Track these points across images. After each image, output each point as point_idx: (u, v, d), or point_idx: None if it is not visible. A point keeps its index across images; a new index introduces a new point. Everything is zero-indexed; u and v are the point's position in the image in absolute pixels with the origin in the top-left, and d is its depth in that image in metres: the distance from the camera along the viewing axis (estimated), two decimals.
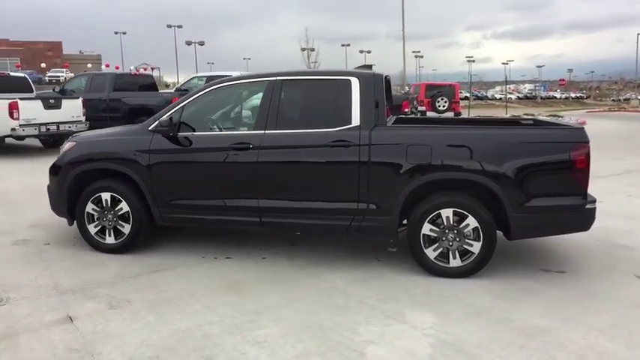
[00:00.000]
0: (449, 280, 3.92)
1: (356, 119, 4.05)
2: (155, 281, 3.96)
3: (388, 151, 3.96)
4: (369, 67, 4.78)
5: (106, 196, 4.48)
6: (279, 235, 4.97)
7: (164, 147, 4.31)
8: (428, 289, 3.78)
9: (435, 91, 18.21)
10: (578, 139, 3.81)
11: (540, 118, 5.03)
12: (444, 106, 18.09)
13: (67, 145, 4.71)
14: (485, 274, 4.02)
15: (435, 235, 3.96)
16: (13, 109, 9.34)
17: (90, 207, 4.53)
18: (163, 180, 4.34)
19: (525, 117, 5.45)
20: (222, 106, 4.49)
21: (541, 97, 66.08)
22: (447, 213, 3.92)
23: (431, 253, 3.99)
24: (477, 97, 64.09)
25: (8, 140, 10.18)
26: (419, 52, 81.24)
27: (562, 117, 22.72)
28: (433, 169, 3.89)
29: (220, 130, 4.35)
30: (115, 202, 4.47)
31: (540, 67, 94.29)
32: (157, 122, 4.32)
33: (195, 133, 4.30)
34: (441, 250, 3.98)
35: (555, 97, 68.77)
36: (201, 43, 48.38)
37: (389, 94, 5.30)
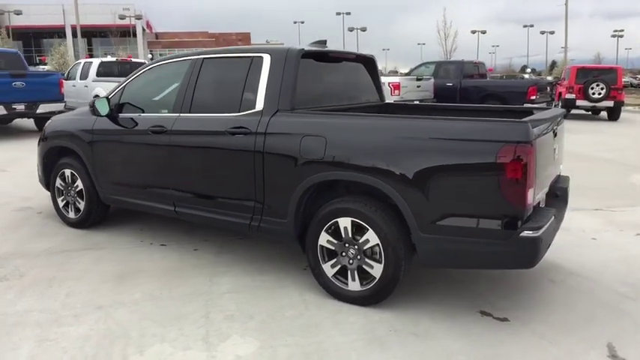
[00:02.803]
0: (341, 307, 3.16)
1: (260, 103, 3.48)
2: (70, 259, 4.01)
3: (283, 142, 3.31)
4: (324, 42, 4.06)
5: (67, 172, 4.70)
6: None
7: (102, 127, 4.32)
8: (301, 313, 3.09)
9: (589, 76, 15.11)
10: (511, 137, 2.64)
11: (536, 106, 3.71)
12: (599, 94, 14.89)
13: (47, 123, 5.06)
14: (397, 305, 3.14)
15: (333, 248, 3.21)
16: None
17: (58, 182, 4.81)
18: (100, 160, 4.37)
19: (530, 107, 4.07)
20: (155, 86, 4.28)
21: None
22: (345, 223, 3.13)
23: (329, 269, 3.25)
24: None
25: None
26: (621, 31, 69.35)
27: None
28: (327, 166, 3.14)
29: (148, 112, 4.16)
30: (74, 178, 4.67)
31: None
32: None
33: (123, 115, 4.21)
34: (339, 267, 3.22)
35: None
36: (364, 29, 48.78)
37: (375, 77, 4.54)
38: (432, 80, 12.98)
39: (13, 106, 9.73)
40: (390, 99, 11.78)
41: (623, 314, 3.07)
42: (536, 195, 2.79)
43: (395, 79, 12.08)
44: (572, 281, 3.58)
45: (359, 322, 2.96)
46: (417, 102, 12.05)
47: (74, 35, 52.10)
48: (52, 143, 4.79)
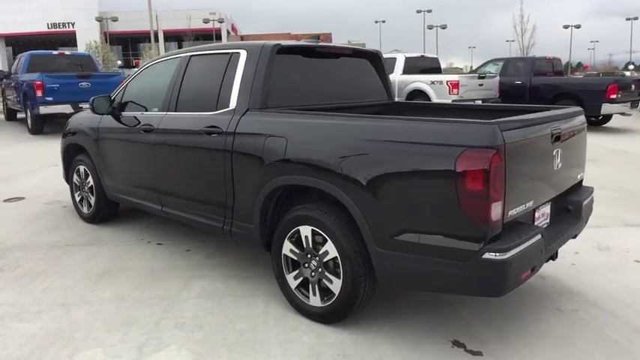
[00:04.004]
0: (300, 323, 2.91)
1: (234, 101, 3.32)
2: (67, 254, 4.11)
3: (250, 143, 3.11)
4: (316, 38, 3.81)
5: (82, 168, 4.86)
6: None
7: (105, 125, 4.40)
8: (255, 327, 2.88)
9: None
10: (473, 142, 2.24)
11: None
12: None
13: (69, 120, 5.26)
14: (361, 326, 2.84)
15: (296, 258, 2.97)
16: None
17: (75, 177, 4.99)
18: (103, 157, 4.45)
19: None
20: (151, 84, 4.24)
21: None
22: (305, 231, 2.88)
23: (292, 280, 3.02)
24: None
25: None
26: None
27: None
28: (286, 169, 2.90)
29: (144, 110, 4.14)
30: (87, 174, 4.81)
31: None
32: None
33: (125, 113, 4.23)
34: (302, 279, 2.97)
35: None
36: (444, 27, 46.98)
37: (382, 75, 4.23)
38: (497, 78, 12.08)
39: (80, 105, 10.40)
40: (447, 99, 11.14)
41: (626, 355, 2.52)
42: (509, 210, 2.35)
43: (453, 77, 11.39)
44: (585, 312, 3.03)
45: (309, 343, 2.69)
46: (479, 102, 11.29)
47: (166, 40, 55.60)
48: (69, 140, 4.97)
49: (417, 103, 4.72)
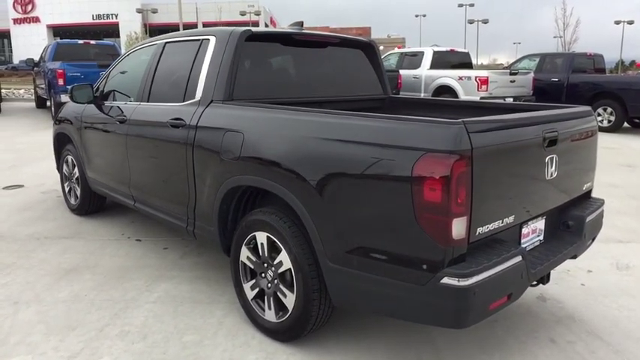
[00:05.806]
0: (253, 339, 2.63)
1: (199, 92, 3.05)
2: (41, 246, 3.97)
3: (209, 138, 2.84)
4: (300, 24, 3.49)
5: (69, 158, 4.73)
6: None
7: (87, 114, 4.23)
8: (202, 340, 2.62)
9: None
10: (434, 145, 1.87)
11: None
12: None
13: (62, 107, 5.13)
14: (320, 345, 2.54)
15: (253, 266, 2.69)
16: None
17: (64, 167, 4.88)
18: (85, 147, 4.29)
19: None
20: (130, 73, 4.02)
21: None
22: (261, 238, 2.59)
23: (249, 290, 2.74)
24: None
25: None
26: None
27: None
28: (241, 168, 2.61)
29: (123, 99, 3.93)
30: (74, 164, 4.68)
31: None
32: None
33: (107, 103, 4.04)
34: (258, 289, 2.68)
35: None
36: (485, 22, 45.35)
37: (377, 67, 3.88)
38: (531, 75, 11.38)
39: None
40: (475, 95, 10.58)
41: None
42: (478, 227, 1.98)
43: (483, 73, 10.80)
44: (583, 346, 2.61)
45: None
46: (511, 99, 10.67)
47: None
48: (58, 128, 4.85)
49: (412, 99, 4.32)
